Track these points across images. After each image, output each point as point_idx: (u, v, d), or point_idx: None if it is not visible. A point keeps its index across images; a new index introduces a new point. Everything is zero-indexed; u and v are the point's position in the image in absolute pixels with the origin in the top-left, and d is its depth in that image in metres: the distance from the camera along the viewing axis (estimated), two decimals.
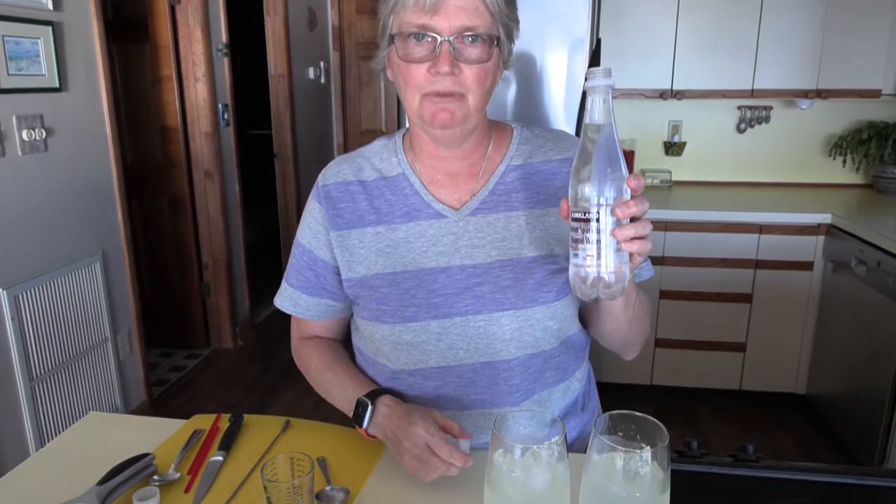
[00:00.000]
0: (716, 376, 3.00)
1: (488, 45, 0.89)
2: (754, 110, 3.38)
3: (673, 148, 3.48)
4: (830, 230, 2.75)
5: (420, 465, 0.88)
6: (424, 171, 1.02)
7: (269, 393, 3.30)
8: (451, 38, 0.87)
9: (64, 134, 2.42)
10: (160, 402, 3.14)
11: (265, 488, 0.78)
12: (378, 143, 1.08)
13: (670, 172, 3.45)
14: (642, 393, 3.08)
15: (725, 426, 2.90)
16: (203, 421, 1.12)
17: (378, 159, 1.05)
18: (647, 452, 0.67)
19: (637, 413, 0.72)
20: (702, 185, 3.49)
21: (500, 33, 0.91)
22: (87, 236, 2.58)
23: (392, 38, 0.91)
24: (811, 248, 2.80)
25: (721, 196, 3.23)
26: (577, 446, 1.08)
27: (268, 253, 4.80)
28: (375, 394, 0.99)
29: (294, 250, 1.10)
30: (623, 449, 0.67)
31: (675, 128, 3.48)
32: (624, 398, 3.00)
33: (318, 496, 0.91)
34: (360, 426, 0.97)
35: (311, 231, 1.06)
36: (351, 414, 1.00)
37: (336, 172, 1.06)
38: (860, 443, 2.51)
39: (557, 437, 0.69)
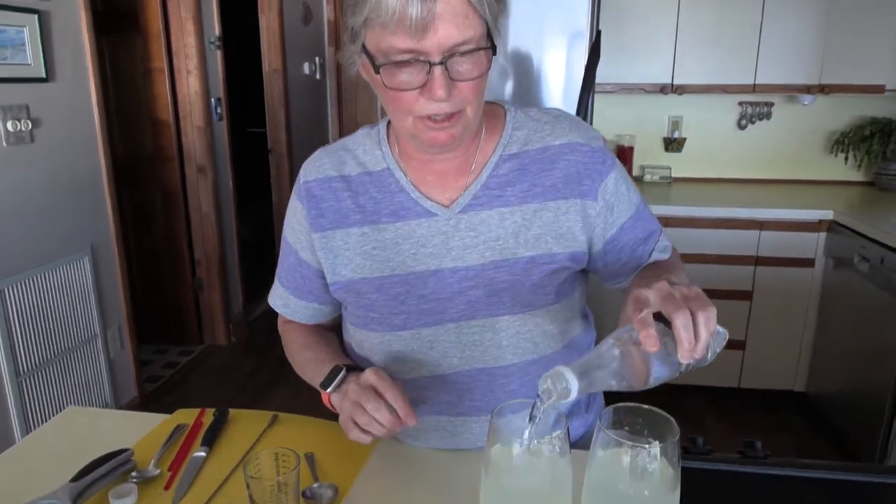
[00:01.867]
0: (715, 373, 2.96)
1: (483, 53, 0.79)
2: (755, 106, 3.34)
3: (673, 144, 3.44)
4: (832, 227, 2.71)
5: (357, 410, 0.82)
6: (411, 172, 0.94)
7: (261, 390, 3.25)
8: (443, 60, 0.76)
9: (51, 125, 2.36)
10: (152, 399, 3.09)
11: (247, 485, 0.74)
12: (361, 133, 0.99)
13: (670, 168, 3.41)
14: (639, 391, 3.03)
15: (724, 424, 2.86)
16: (186, 415, 1.07)
17: (361, 151, 0.97)
18: (656, 448, 0.62)
19: (644, 406, 0.67)
20: (702, 181, 3.45)
21: (493, 36, 0.80)
22: (75, 230, 2.52)
23: (367, 52, 0.80)
24: (812, 244, 2.76)
25: (721, 192, 3.19)
26: (580, 445, 1.03)
27: (262, 249, 4.75)
28: (355, 367, 0.93)
29: (283, 247, 1.04)
30: (630, 444, 0.63)
31: (676, 123, 3.43)
32: (622, 396, 2.95)
33: (304, 493, 0.86)
34: (326, 389, 0.91)
35: (294, 232, 1.00)
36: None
37: (317, 167, 0.97)
38: (860, 440, 2.47)
39: (559, 432, 0.65)
